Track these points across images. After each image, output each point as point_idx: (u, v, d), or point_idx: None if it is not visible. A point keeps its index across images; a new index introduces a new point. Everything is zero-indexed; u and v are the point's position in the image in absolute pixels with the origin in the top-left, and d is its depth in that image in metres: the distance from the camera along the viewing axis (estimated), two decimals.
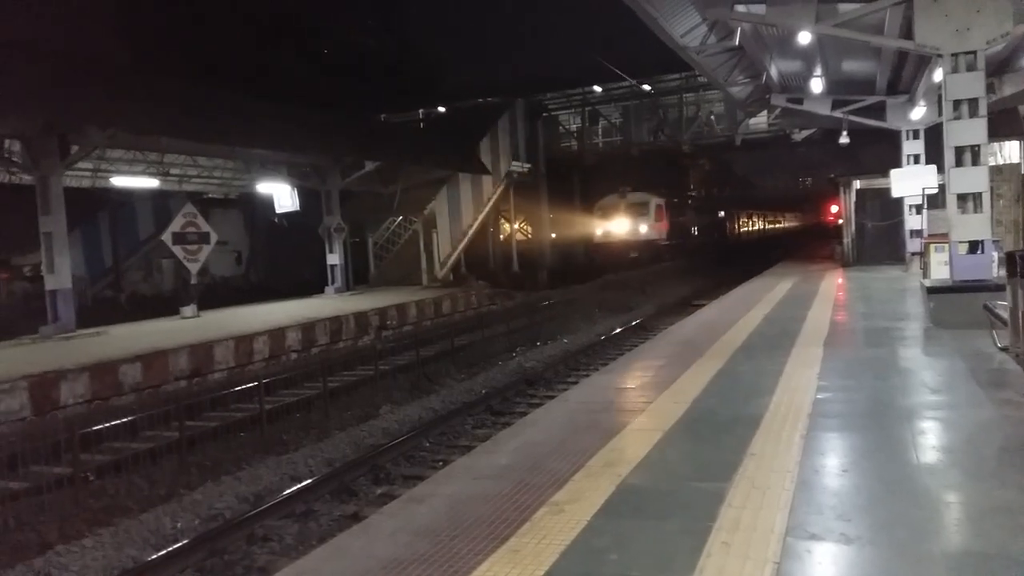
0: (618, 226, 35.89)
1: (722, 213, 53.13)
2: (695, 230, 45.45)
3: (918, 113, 19.41)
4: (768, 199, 68.10)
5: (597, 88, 35.58)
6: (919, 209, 20.31)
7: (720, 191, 59.07)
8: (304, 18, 27.34)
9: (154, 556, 6.89)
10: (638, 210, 35.89)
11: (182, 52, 22.57)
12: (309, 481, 8.75)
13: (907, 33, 13.34)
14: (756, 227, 63.83)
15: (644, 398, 7.59)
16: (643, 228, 35.49)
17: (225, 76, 23.80)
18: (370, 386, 13.45)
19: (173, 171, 25.44)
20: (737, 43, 16.57)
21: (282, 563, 6.38)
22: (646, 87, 34.95)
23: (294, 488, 8.52)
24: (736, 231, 57.82)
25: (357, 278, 27.48)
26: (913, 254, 20.29)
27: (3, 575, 6.68)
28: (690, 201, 46.81)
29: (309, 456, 9.92)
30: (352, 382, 13.71)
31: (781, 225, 76.98)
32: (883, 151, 23.44)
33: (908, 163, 20.33)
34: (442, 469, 6.42)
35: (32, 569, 6.81)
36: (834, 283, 19.38)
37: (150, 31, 21.92)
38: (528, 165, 34.18)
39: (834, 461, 5.53)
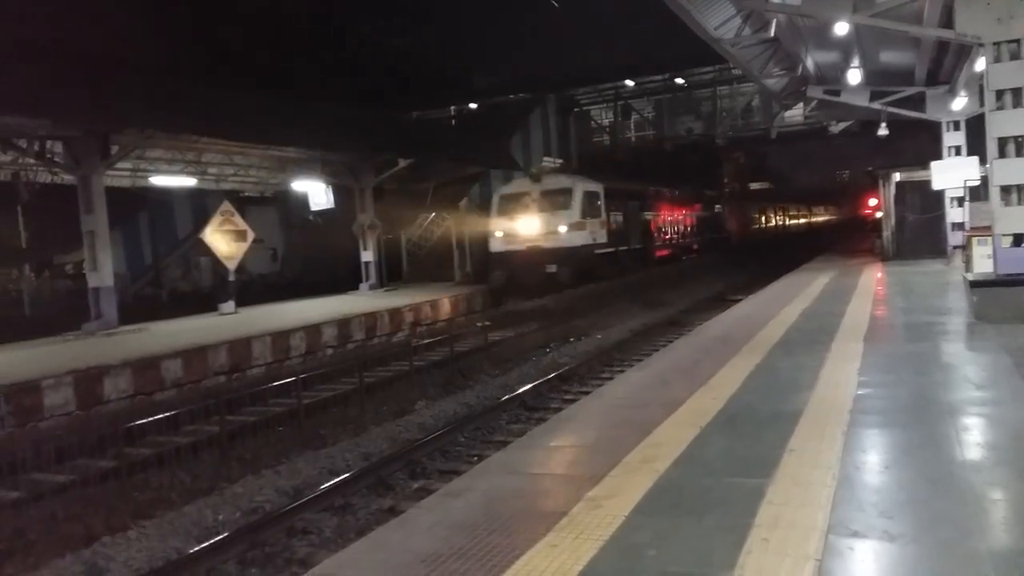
0: (526, 226, 23.82)
1: (718, 207, 41.90)
2: (674, 229, 33.96)
3: (959, 104, 19.00)
4: (803, 192, 67.19)
5: (629, 82, 35.36)
6: (961, 202, 19.89)
7: (751, 184, 58.21)
8: (335, 17, 27.53)
9: (197, 548, 7.01)
10: (557, 201, 24.01)
11: (215, 54, 22.88)
12: (347, 475, 8.84)
13: (947, 22, 13.06)
14: (790, 221, 62.44)
15: (680, 394, 7.54)
16: (563, 228, 23.36)
17: (257, 76, 24.07)
18: (405, 381, 13.55)
19: (210, 170, 25.83)
20: (772, 35, 16.35)
21: (321, 555, 6.46)
22: (679, 80, 34.66)
23: (332, 482, 8.61)
24: (762, 226, 52.27)
25: (390, 275, 27.66)
26: (955, 247, 19.89)
27: (53, 565, 6.85)
28: (662, 192, 33.11)
29: (346, 450, 10.03)
30: (387, 377, 13.82)
31: (817, 219, 75.81)
32: (923, 143, 23.02)
33: (949, 155, 19.90)
34: (478, 464, 6.45)
35: (80, 559, 6.97)
36: (873, 277, 19.06)
37: (183, 34, 22.25)
38: (560, 160, 34.12)
39: (876, 457, 5.45)
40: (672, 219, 33.43)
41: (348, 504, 8.24)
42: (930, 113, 20.31)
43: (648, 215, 30.34)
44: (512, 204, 24.41)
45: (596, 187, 25.28)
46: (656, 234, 31.19)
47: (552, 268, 22.54)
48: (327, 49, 27.26)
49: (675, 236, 33.56)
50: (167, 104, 17.33)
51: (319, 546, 7.22)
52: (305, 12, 27.12)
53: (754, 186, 58.82)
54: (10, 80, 14.03)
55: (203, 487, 8.84)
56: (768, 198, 56.69)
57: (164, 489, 8.80)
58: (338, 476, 8.88)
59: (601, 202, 25.29)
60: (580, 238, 23.70)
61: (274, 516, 7.72)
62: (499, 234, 24.09)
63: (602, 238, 25.09)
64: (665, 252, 31.91)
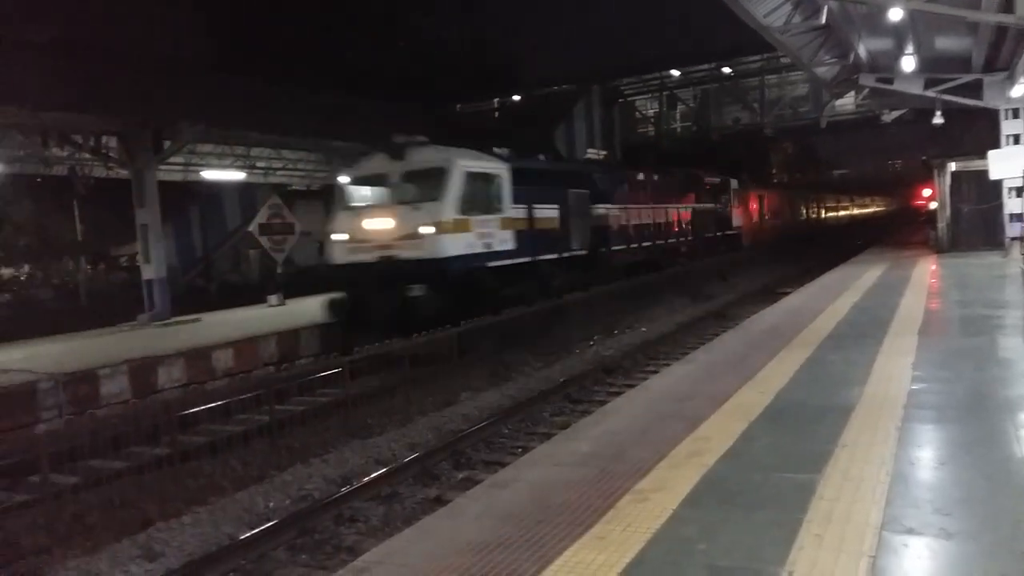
0: (377, 226, 15.45)
1: (725, 197, 32.60)
2: (650, 227, 25.04)
3: (1018, 91, 18.38)
4: (854, 183, 65.74)
5: (675, 72, 34.95)
6: (1019, 192, 19.29)
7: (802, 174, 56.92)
8: (381, 8, 27.72)
9: (248, 534, 7.16)
10: (424, 188, 15.59)
11: (263, 49, 23.22)
12: (393, 465, 8.94)
13: (1007, 7, 12.65)
14: (841, 213, 61.04)
15: (728, 388, 7.46)
16: (426, 230, 14.95)
17: (304, 70, 24.36)
18: (448, 373, 13.59)
19: (259, 164, 26.30)
20: (823, 22, 16.00)
21: (369, 543, 6.55)
22: (726, 69, 34.15)
23: (379, 471, 8.71)
24: (808, 217, 49.04)
25: None
26: (1013, 239, 19.34)
27: (111, 548, 7.06)
28: (627, 176, 24.75)
29: (392, 440, 10.13)
30: (431, 370, 13.89)
31: (869, 210, 74.12)
32: (980, 131, 22.35)
33: (1007, 143, 19.30)
34: (524, 455, 6.46)
35: (136, 543, 7.17)
36: (927, 270, 18.61)
37: (231, 29, 22.62)
38: (604, 152, 33.91)
39: (931, 453, 5.33)
40: (647, 214, 24.86)
41: (395, 493, 8.32)
42: (987, 101, 19.70)
43: (604, 208, 21.84)
44: (362, 194, 16.34)
45: (494, 166, 16.73)
46: (618, 235, 22.67)
47: (416, 291, 14.63)
48: (373, 42, 27.47)
49: (651, 236, 25.00)
50: (218, 98, 17.66)
51: (366, 534, 7.31)
52: (353, 4, 27.36)
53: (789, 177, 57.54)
54: (64, 77, 14.45)
55: (254, 475, 9.01)
56: (815, 188, 54.83)
57: (216, 476, 9.00)
58: (385, 465, 8.98)
59: (504, 190, 16.73)
60: (457, 245, 15.14)
61: (323, 504, 7.83)
62: (340, 239, 15.62)
63: (504, 244, 16.65)
64: (633, 258, 23.62)
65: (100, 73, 15.40)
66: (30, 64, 14.50)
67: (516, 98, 36.15)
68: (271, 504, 8.09)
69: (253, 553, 6.85)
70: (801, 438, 5.76)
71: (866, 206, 73.92)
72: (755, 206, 36.91)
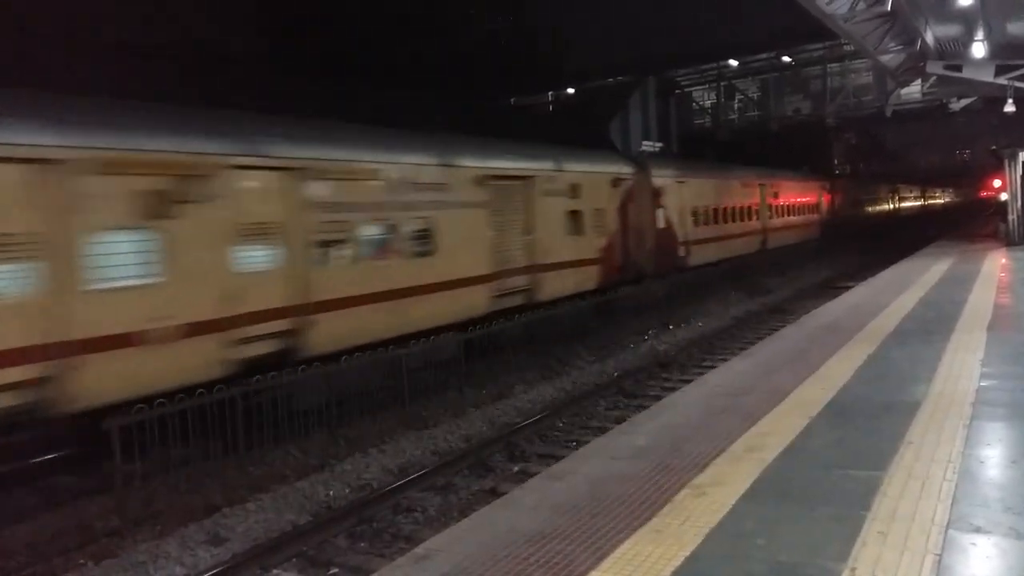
0: None
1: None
2: None
3: None
4: (920, 173, 63.70)
5: (733, 62, 34.29)
6: None
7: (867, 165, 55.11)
8: (431, 5, 27.85)
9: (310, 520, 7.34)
10: None
11: (313, 47, 23.52)
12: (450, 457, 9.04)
13: None
14: (905, 204, 59.12)
15: (787, 383, 7.35)
16: None
17: (356, 69, 24.59)
18: (498, 367, 13.56)
19: None
20: (889, 8, 15.54)
21: (426, 533, 6.65)
22: (786, 58, 33.41)
23: (436, 463, 8.83)
24: (869, 210, 45.33)
25: None
26: None
27: (179, 532, 7.31)
28: None
29: (448, 432, 10.23)
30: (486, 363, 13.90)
31: (936, 201, 71.79)
32: None
33: None
34: (579, 448, 6.48)
35: (203, 529, 7.41)
36: (997, 263, 17.98)
37: (282, 28, 22.96)
38: (660, 144, 33.52)
39: (1001, 452, 5.18)
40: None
41: (450, 484, 8.42)
42: None
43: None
44: None
45: None
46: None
47: None
48: (425, 38, 27.62)
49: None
50: (271, 97, 17.97)
51: (423, 524, 7.42)
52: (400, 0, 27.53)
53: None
54: (118, 76, 14.84)
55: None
56: (879, 180, 52.93)
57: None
58: (442, 457, 9.09)
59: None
60: None
61: (381, 493, 7.98)
62: None
63: None
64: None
65: (152, 71, 15.75)
66: (99, 65, 15.00)
67: (570, 91, 35.96)
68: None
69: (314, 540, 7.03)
70: (864, 435, 5.65)
71: (934, 197, 71.65)
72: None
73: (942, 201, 74.51)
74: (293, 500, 8.03)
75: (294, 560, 6.81)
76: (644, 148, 31.26)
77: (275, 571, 6.64)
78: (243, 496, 8.15)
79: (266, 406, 9.00)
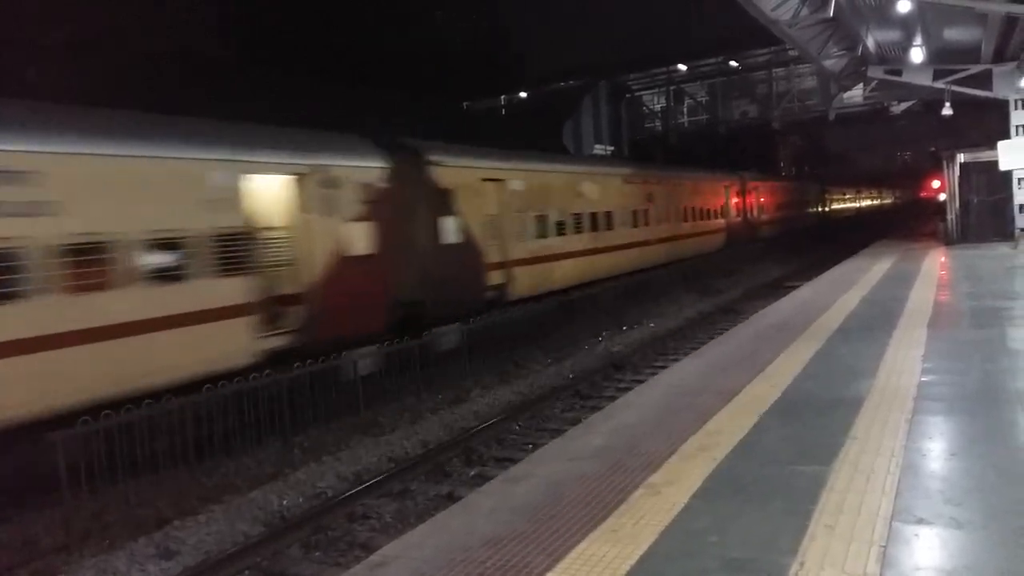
0: None
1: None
2: None
3: None
4: (862, 175, 65.35)
5: (682, 66, 34.84)
6: None
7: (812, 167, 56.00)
8: (391, 6, 27.72)
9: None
10: None
11: (279, 44, 23.28)
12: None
13: None
14: (847, 205, 60.26)
15: (738, 382, 7.48)
16: None
17: (312, 65, 24.39)
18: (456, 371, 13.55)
19: None
20: (831, 14, 15.96)
21: (382, 540, 6.61)
22: (733, 63, 34.04)
23: (393, 469, 8.78)
24: (812, 211, 43.11)
25: None
26: (1022, 230, 19.25)
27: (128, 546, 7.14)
28: None
29: (404, 438, 10.18)
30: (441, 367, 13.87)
31: (877, 202, 73.66)
32: (989, 122, 22.25)
33: (1017, 134, 19.23)
34: (536, 451, 6.51)
35: (153, 542, 7.25)
36: (937, 262, 18.55)
37: (247, 24, 22.67)
38: (611, 147, 33.88)
39: (942, 445, 5.35)
40: None
41: (407, 490, 8.38)
42: (997, 91, 19.61)
43: None
44: None
45: None
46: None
47: None
48: (382, 38, 27.47)
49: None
50: (231, 91, 17.68)
51: (379, 531, 7.38)
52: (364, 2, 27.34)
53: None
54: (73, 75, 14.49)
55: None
56: (822, 181, 52.48)
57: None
58: (398, 463, 9.04)
59: None
60: None
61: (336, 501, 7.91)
62: None
63: None
64: None
65: (111, 68, 15.47)
66: (44, 64, 14.63)
67: (523, 95, 36.12)
68: None
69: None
70: (811, 431, 5.79)
71: (875, 198, 73.42)
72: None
73: (884, 201, 76.27)
74: (246, 511, 7.90)
75: (247, 572, 6.71)
76: (596, 151, 31.52)
77: None
78: (194, 507, 8.00)
79: (216, 415, 8.85)
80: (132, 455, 7.89)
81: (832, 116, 32.65)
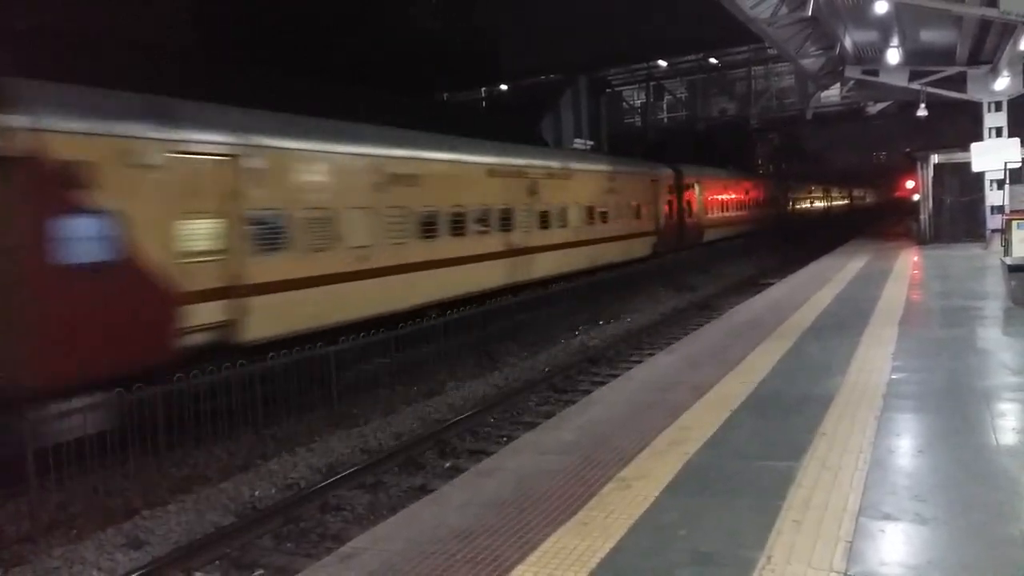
0: None
1: None
2: None
3: (1001, 84, 18.56)
4: (838, 174, 65.88)
5: (662, 63, 34.98)
6: (1001, 184, 19.48)
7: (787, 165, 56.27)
8: (368, 2, 27.58)
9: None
10: None
11: (252, 40, 23.06)
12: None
13: (990, 0, 12.76)
14: (822, 204, 60.29)
15: (710, 378, 7.54)
16: None
17: (292, 60, 24.21)
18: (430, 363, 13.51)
19: None
20: (810, 13, 16.06)
21: (354, 531, 6.58)
22: (713, 60, 34.23)
23: (366, 461, 8.75)
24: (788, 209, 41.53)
25: None
26: (993, 231, 19.54)
27: (96, 536, 7.06)
28: None
29: (378, 430, 10.15)
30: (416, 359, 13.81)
31: (853, 201, 74.20)
32: (963, 124, 22.56)
33: (990, 136, 19.51)
34: (509, 444, 6.52)
35: (121, 532, 7.17)
36: (909, 261, 18.79)
37: (220, 20, 22.44)
38: (591, 142, 33.93)
39: (909, 442, 5.42)
40: None
41: (380, 482, 8.36)
42: (971, 93, 19.88)
43: None
44: None
45: None
46: None
47: None
48: (361, 32, 27.31)
49: None
50: (206, 91, 17.46)
51: (352, 522, 7.35)
52: None
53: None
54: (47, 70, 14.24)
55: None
56: (796, 179, 51.91)
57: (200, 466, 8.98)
58: (371, 455, 9.00)
59: None
60: None
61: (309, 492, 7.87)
62: None
63: None
64: None
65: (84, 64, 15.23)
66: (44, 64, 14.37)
67: (503, 88, 36.08)
68: None
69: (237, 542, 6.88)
70: (781, 427, 5.85)
71: (848, 197, 73.84)
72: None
73: (853, 202, 76.28)
74: (216, 501, 7.84)
75: (217, 563, 6.65)
76: (576, 145, 31.48)
77: (197, 574, 6.47)
78: (164, 498, 7.91)
79: (187, 405, 8.75)
80: (101, 444, 7.80)
81: (810, 115, 32.99)
